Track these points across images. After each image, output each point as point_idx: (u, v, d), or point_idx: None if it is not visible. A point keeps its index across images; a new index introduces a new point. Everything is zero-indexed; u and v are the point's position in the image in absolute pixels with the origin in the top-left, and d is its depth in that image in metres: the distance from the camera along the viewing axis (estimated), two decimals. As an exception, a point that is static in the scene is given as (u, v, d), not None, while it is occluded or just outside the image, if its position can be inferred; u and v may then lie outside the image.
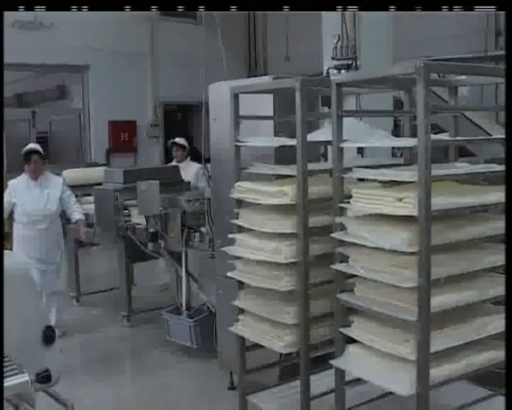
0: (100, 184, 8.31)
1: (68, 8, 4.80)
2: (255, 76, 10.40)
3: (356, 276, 3.75)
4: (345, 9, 6.63)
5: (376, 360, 3.61)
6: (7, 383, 2.64)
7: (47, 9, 4.76)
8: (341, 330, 3.81)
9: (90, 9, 4.84)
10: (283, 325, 4.20)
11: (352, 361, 3.77)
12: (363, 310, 3.72)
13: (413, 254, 3.31)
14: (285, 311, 4.17)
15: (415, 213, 3.27)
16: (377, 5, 5.43)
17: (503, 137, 3.44)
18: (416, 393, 3.34)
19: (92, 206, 8.21)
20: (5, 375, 2.69)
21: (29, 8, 4.60)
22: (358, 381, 3.84)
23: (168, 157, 15.53)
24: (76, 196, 8.81)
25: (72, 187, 9.05)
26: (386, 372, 3.53)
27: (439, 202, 3.33)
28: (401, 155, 5.20)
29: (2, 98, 6.00)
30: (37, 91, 16.83)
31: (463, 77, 4.51)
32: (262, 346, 4.42)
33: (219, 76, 5.87)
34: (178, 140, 9.72)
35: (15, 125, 13.18)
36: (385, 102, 6.16)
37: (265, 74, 12.69)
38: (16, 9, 4.45)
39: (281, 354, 4.53)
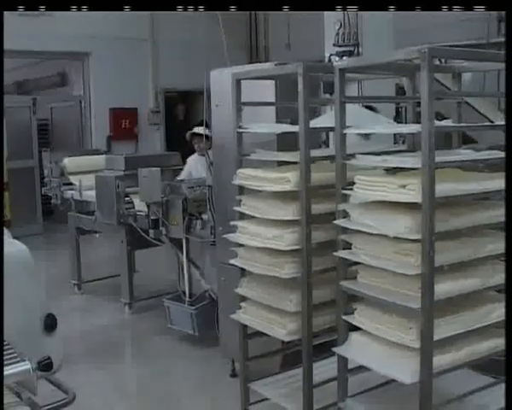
0: (101, 171, 8.29)
1: (68, 9, 4.76)
2: (257, 63, 10.35)
3: (359, 263, 3.74)
4: (344, 9, 6.59)
5: (379, 347, 3.60)
6: (8, 371, 2.62)
7: (47, 9, 4.71)
8: (344, 317, 3.80)
9: (89, 9, 4.80)
10: (286, 312, 4.18)
11: (355, 349, 3.76)
12: (365, 297, 3.71)
13: (416, 241, 3.29)
14: (287, 298, 4.16)
15: (418, 199, 3.25)
16: (377, 5, 5.40)
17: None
18: (420, 381, 3.33)
19: (93, 193, 8.19)
20: (6, 363, 2.67)
21: (29, 8, 4.54)
22: (361, 369, 3.82)
23: (171, 146, 15.53)
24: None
25: (74, 174, 9.08)
26: (389, 360, 3.52)
27: (443, 188, 3.31)
28: (403, 142, 5.18)
29: (2, 87, 5.94)
30: (37, 79, 16.79)
31: (466, 63, 4.48)
32: (264, 333, 4.41)
33: (220, 64, 5.83)
34: (198, 130, 8.30)
35: (16, 113, 13.13)
36: (387, 89, 6.13)
37: (267, 62, 12.65)
38: (16, 9, 4.39)
39: (283, 341, 4.52)
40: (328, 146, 5.76)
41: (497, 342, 3.61)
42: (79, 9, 4.79)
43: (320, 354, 4.39)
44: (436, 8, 4.93)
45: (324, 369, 4.35)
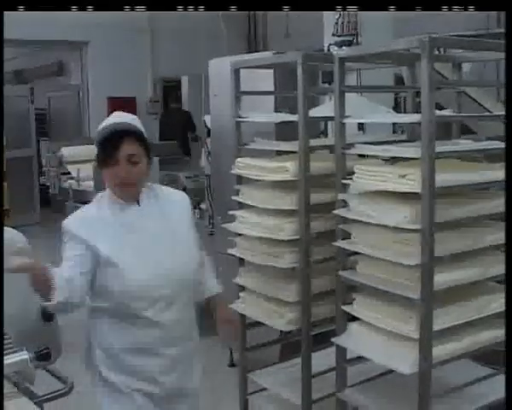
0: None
1: (69, 9, 4.73)
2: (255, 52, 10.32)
3: (358, 253, 3.72)
4: (344, 9, 6.57)
5: (378, 337, 3.58)
6: (5, 360, 2.62)
7: (47, 10, 4.68)
8: (343, 307, 3.78)
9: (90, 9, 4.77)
10: (284, 302, 4.17)
11: (354, 339, 3.75)
12: (365, 288, 3.69)
13: (416, 231, 3.27)
14: (286, 288, 4.14)
15: (418, 189, 3.23)
16: (377, 5, 5.37)
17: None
18: (419, 371, 3.32)
19: (91, 183, 8.17)
20: (4, 352, 2.67)
21: (29, 8, 4.51)
22: (360, 359, 3.81)
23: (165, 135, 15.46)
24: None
25: (71, 163, 9.06)
26: (389, 350, 3.51)
27: (443, 178, 3.29)
28: (402, 132, 5.16)
29: (2, 84, 5.90)
30: (35, 68, 16.74)
31: (466, 53, 4.46)
32: (263, 323, 4.40)
33: (219, 53, 5.82)
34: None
35: (14, 102, 13.08)
36: (385, 78, 6.10)
37: (266, 51, 12.62)
38: (16, 9, 4.36)
39: (282, 331, 4.50)
40: (326, 136, 5.75)
41: (497, 333, 3.59)
42: (80, 9, 4.76)
43: (319, 344, 4.38)
44: (436, 7, 4.92)
45: (323, 359, 4.32)
